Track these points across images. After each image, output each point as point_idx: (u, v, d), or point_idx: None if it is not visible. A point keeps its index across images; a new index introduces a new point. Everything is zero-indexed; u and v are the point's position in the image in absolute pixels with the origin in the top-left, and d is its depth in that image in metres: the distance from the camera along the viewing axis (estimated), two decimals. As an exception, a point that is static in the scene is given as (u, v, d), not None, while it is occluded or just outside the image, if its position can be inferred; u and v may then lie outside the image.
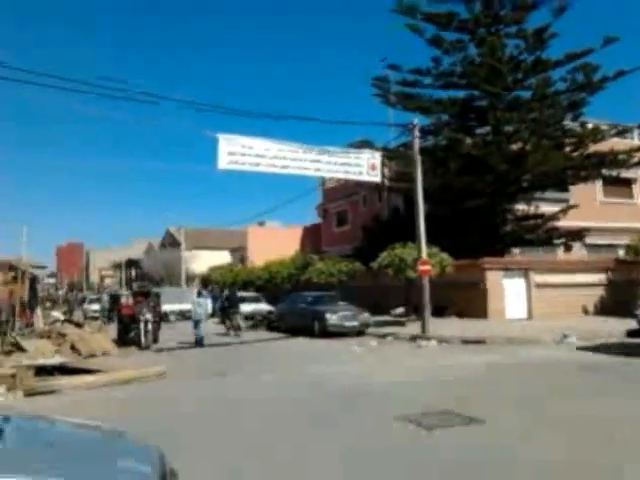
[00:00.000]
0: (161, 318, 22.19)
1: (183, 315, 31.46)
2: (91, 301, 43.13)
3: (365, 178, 19.68)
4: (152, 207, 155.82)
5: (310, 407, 9.06)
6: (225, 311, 24.49)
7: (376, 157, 19.47)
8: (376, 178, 19.77)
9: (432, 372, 12.00)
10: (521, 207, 28.08)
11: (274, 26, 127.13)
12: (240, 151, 15.63)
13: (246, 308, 28.87)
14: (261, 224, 53.56)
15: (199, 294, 24.91)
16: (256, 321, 27.10)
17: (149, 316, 19.62)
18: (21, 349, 14.87)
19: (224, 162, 15.51)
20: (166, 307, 29.58)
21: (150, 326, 19.57)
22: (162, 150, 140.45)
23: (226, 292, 28.00)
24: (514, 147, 26.36)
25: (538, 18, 26.95)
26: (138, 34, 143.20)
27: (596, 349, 14.65)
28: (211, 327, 24.52)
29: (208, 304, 24.28)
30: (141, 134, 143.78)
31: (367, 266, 25.67)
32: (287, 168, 16.67)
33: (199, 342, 19.33)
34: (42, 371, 12.32)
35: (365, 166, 18.86)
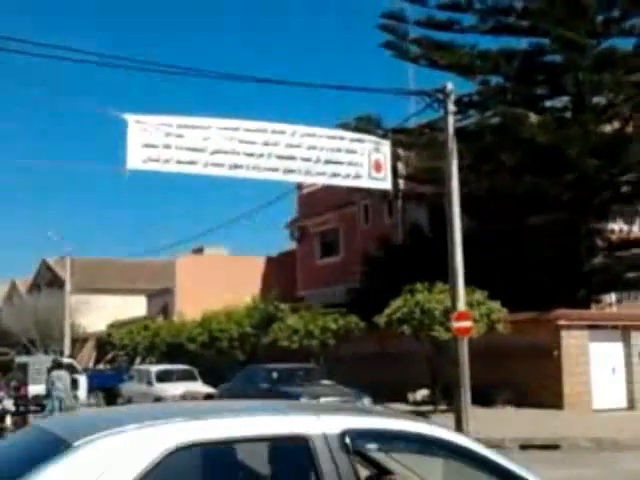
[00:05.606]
0: (27, 406, 22.31)
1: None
2: None
3: (366, 184, 19.91)
4: (22, 227, 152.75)
5: None
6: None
7: (383, 149, 19.50)
8: (384, 183, 19.92)
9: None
10: (617, 227, 28.43)
11: None
12: (163, 142, 15.87)
13: (171, 390, 28.89)
14: (197, 252, 53.43)
15: (57, 365, 26.44)
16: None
17: (8, 403, 19.73)
18: None
19: (137, 159, 15.71)
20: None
21: (9, 421, 19.67)
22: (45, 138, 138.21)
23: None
24: (607, 129, 26.89)
25: None
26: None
27: None
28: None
29: (68, 380, 26.29)
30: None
31: (369, 321, 26.00)
32: (239, 169, 16.85)
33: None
34: None
35: (366, 165, 18.89)
